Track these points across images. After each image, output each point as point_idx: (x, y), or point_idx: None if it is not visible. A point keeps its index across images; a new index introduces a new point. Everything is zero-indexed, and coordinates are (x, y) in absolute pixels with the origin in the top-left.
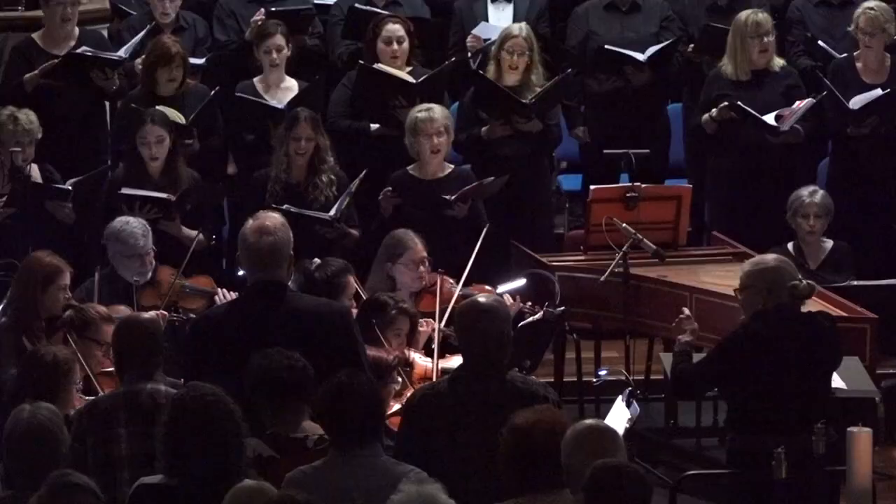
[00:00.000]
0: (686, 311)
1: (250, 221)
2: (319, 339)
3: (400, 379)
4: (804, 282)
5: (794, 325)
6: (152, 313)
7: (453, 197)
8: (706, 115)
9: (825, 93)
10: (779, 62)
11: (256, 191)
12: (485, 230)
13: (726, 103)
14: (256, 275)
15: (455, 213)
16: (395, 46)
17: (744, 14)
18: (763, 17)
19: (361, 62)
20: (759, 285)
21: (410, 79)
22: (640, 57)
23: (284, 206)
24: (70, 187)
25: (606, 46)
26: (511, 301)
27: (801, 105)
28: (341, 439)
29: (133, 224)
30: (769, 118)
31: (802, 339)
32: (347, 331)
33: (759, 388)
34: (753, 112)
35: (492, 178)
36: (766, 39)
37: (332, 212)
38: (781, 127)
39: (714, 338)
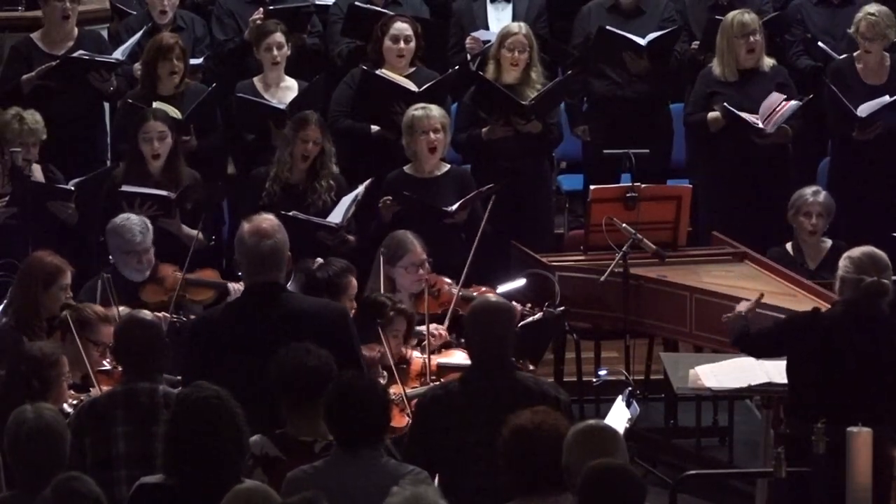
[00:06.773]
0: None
1: (246, 225)
2: (317, 339)
3: (385, 374)
4: (874, 278)
5: (859, 322)
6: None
7: (453, 208)
8: (712, 114)
9: (811, 96)
10: (769, 62)
11: (253, 189)
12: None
13: (724, 104)
14: (255, 277)
15: (455, 220)
16: (402, 45)
17: (730, 15)
18: (749, 17)
19: (364, 67)
20: (842, 275)
21: (413, 87)
22: (640, 41)
23: (291, 213)
24: (73, 187)
25: (607, 28)
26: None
27: (785, 107)
28: (345, 439)
29: (133, 220)
30: (755, 119)
31: (864, 338)
32: (346, 331)
33: (812, 374)
34: (739, 113)
35: (490, 185)
36: (752, 39)
37: (339, 219)
38: (767, 129)
39: (713, 338)
